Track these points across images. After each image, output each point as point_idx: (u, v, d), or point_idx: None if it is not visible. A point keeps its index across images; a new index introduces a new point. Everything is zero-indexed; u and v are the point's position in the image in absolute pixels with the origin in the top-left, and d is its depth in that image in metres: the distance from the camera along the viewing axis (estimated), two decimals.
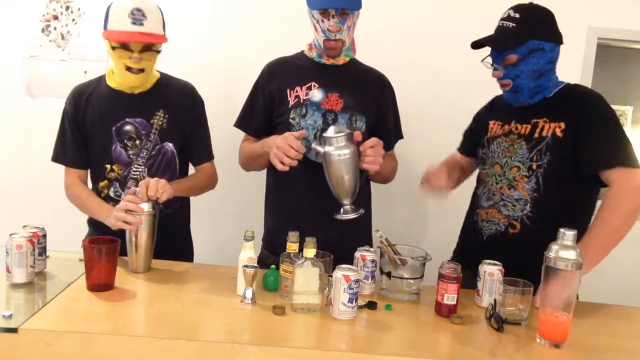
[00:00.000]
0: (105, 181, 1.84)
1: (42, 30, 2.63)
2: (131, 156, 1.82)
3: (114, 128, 1.81)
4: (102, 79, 1.88)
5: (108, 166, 1.83)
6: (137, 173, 1.82)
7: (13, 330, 1.22)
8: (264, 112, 1.91)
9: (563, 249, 1.35)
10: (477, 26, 2.51)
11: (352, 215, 1.71)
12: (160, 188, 1.64)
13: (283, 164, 1.67)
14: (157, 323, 1.34)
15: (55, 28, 2.63)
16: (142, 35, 1.70)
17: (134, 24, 1.69)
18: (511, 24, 1.67)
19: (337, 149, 1.65)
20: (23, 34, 2.63)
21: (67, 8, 2.62)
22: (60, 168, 2.61)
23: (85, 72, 2.61)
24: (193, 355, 1.23)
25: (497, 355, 1.31)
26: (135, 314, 1.42)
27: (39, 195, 2.67)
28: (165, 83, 1.88)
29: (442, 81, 2.63)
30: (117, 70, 1.79)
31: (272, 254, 1.88)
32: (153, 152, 1.83)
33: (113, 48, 1.73)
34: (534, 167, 1.68)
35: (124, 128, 1.81)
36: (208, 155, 1.97)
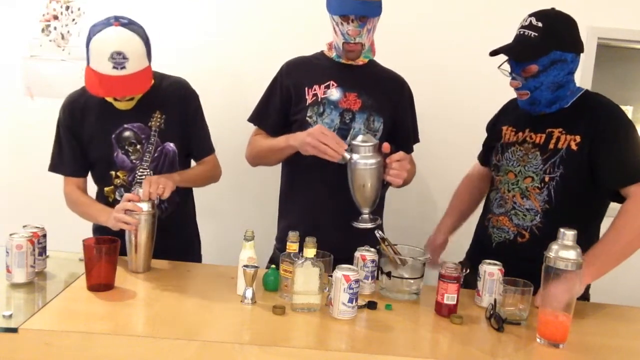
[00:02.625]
0: (112, 187, 1.84)
1: (42, 30, 2.63)
2: (134, 161, 1.82)
3: (113, 136, 1.80)
4: None
5: (113, 173, 1.83)
6: (143, 177, 1.81)
7: (13, 330, 1.22)
8: (280, 108, 1.90)
9: (563, 249, 1.35)
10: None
11: (369, 225, 1.71)
12: (162, 184, 1.64)
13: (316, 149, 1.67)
14: (157, 323, 1.34)
15: (55, 28, 2.63)
16: (123, 86, 1.64)
17: (115, 68, 1.61)
18: (533, 33, 1.60)
19: (363, 158, 1.66)
20: (23, 34, 2.63)
21: (67, 8, 2.62)
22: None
23: None
24: (193, 355, 1.23)
25: (497, 355, 1.31)
26: (135, 314, 1.42)
27: (39, 195, 2.66)
28: (158, 83, 1.85)
29: (451, 84, 2.62)
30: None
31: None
32: (155, 154, 1.83)
33: None
34: (547, 179, 1.66)
35: (124, 134, 1.81)
36: (208, 149, 1.95)
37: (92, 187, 1.92)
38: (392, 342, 1.34)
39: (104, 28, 1.63)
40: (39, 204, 2.64)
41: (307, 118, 1.84)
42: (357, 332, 1.38)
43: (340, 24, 1.77)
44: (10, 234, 1.48)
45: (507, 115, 1.86)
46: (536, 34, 1.60)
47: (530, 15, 1.64)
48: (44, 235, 1.63)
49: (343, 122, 1.83)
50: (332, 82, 1.85)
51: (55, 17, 2.62)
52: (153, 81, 1.85)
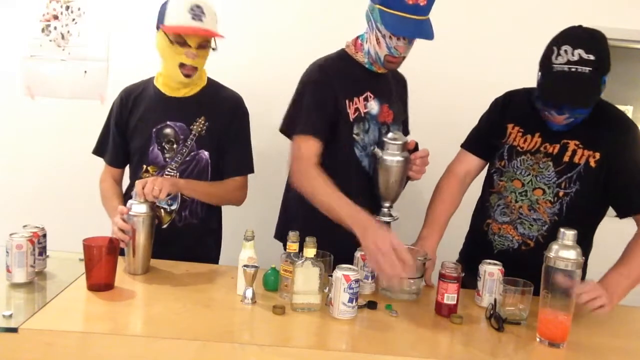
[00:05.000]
0: (137, 181, 1.83)
1: (42, 30, 2.63)
2: (167, 159, 1.82)
3: (154, 129, 1.82)
4: (152, 79, 1.89)
5: (144, 166, 1.84)
6: (169, 177, 1.81)
7: (13, 330, 1.22)
8: (329, 118, 1.70)
9: (563, 249, 1.35)
10: (478, 26, 2.51)
11: (387, 219, 1.74)
12: (157, 185, 1.60)
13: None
14: (157, 323, 1.34)
15: (55, 28, 2.63)
16: (202, 30, 1.71)
17: (194, 19, 1.70)
18: (587, 69, 1.48)
19: (392, 155, 1.69)
20: (23, 34, 2.63)
21: (67, 8, 2.62)
22: (62, 169, 2.62)
23: (85, 72, 2.61)
24: (193, 355, 1.23)
25: (497, 355, 1.31)
26: (135, 314, 1.42)
27: (39, 195, 2.66)
28: (213, 91, 1.86)
29: (445, 83, 2.62)
30: (169, 67, 1.78)
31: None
32: (187, 158, 1.83)
33: (171, 42, 1.73)
34: (561, 194, 1.63)
35: (164, 131, 1.82)
36: (240, 169, 1.89)
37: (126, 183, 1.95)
38: (392, 342, 1.34)
39: None
40: (39, 204, 2.64)
41: (354, 135, 1.74)
42: (357, 332, 1.38)
43: (389, 38, 1.65)
44: (10, 234, 1.48)
45: (513, 111, 1.76)
46: (590, 69, 1.49)
47: (574, 47, 1.48)
48: (44, 235, 1.62)
49: (380, 135, 1.79)
50: (368, 94, 1.76)
51: (55, 17, 2.62)
52: (208, 88, 1.87)
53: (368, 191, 1.76)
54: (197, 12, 1.70)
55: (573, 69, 1.49)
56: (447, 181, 1.86)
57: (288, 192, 1.96)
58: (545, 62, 1.55)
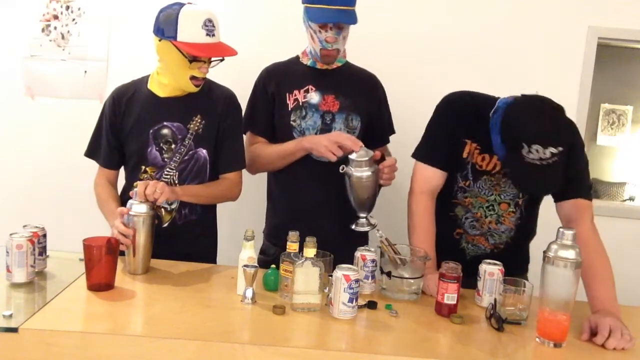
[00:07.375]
0: (139, 182, 1.83)
1: (42, 30, 2.63)
2: (165, 159, 1.82)
3: (151, 131, 1.82)
4: (143, 80, 1.88)
5: (143, 167, 1.84)
6: (168, 177, 1.82)
7: (13, 330, 1.22)
8: (269, 113, 1.96)
9: (562, 249, 1.35)
10: (466, 26, 2.51)
11: (366, 229, 1.80)
12: (159, 189, 1.62)
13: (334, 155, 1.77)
14: (157, 323, 1.34)
15: (55, 28, 2.63)
16: (221, 50, 1.74)
17: (208, 35, 1.70)
18: (558, 159, 1.48)
19: (360, 171, 1.73)
20: (23, 34, 2.63)
21: (68, 8, 2.62)
22: (62, 169, 2.62)
23: (85, 72, 2.61)
24: (193, 355, 1.23)
25: (497, 355, 1.31)
26: (135, 314, 1.42)
27: (39, 195, 2.67)
28: (206, 89, 1.86)
29: (436, 82, 2.62)
30: (179, 79, 1.77)
31: (274, 245, 1.95)
32: (186, 157, 1.83)
33: (184, 56, 1.71)
34: (520, 202, 1.75)
35: (161, 132, 1.82)
36: (234, 165, 1.91)
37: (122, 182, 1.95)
38: (392, 342, 1.34)
39: (184, 4, 1.72)
40: (39, 204, 2.64)
41: (291, 122, 1.92)
42: (357, 332, 1.38)
43: (319, 32, 1.84)
44: (10, 234, 1.48)
45: (465, 124, 1.71)
46: (561, 157, 1.49)
47: (545, 147, 1.46)
48: (44, 235, 1.62)
49: (324, 123, 1.91)
50: (310, 87, 1.93)
51: (56, 17, 2.62)
52: (202, 86, 1.86)
53: (310, 173, 1.91)
54: (210, 27, 1.70)
55: (545, 163, 1.49)
56: (419, 206, 1.76)
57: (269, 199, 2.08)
58: (515, 151, 1.51)
